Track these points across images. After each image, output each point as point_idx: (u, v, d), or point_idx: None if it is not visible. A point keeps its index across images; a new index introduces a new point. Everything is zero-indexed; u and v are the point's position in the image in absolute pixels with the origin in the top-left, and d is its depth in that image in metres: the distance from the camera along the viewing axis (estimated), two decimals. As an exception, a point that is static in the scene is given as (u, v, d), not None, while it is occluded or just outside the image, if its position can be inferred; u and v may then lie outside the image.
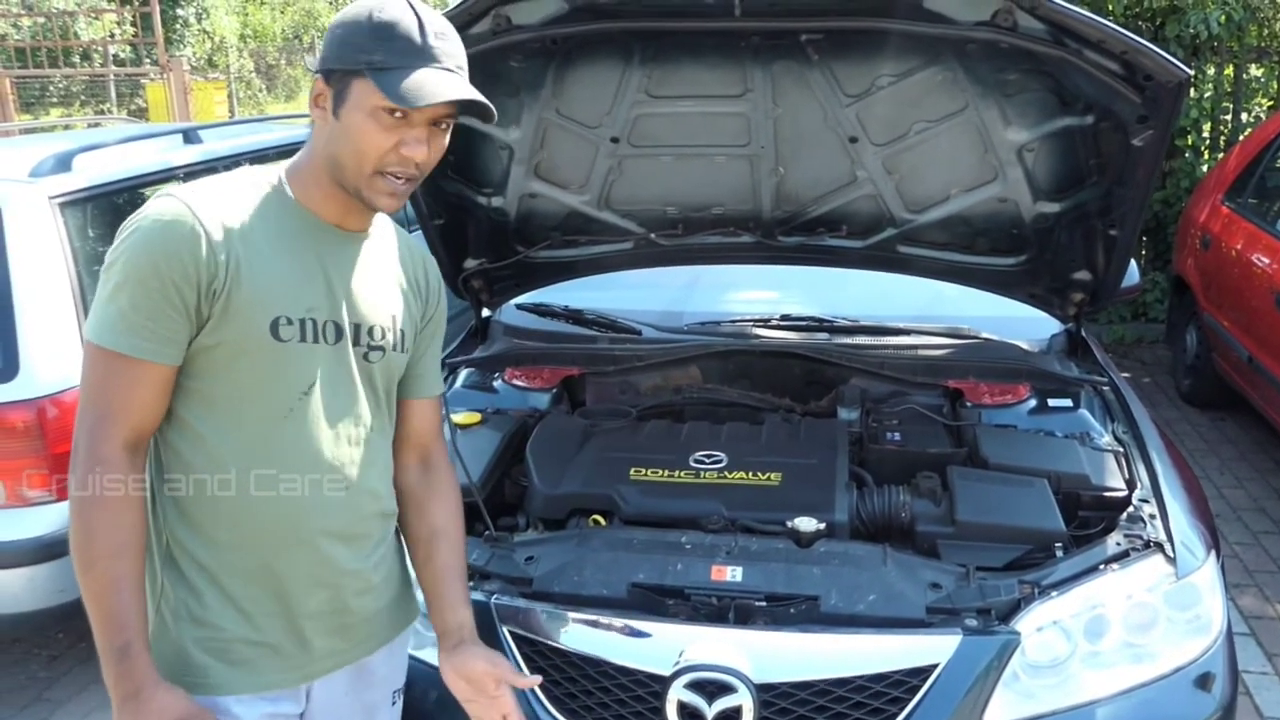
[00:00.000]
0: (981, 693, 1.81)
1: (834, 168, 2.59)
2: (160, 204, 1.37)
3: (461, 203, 2.73)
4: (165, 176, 3.60)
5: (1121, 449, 2.44)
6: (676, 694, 1.79)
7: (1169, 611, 1.93)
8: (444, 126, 1.45)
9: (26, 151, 3.43)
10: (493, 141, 2.58)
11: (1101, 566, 1.97)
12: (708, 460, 2.35)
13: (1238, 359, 4.68)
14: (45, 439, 2.82)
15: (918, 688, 1.80)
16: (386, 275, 1.57)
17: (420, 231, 2.73)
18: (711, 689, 1.78)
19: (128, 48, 12.93)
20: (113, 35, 13.31)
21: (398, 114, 1.37)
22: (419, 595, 1.72)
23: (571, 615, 1.92)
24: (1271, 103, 6.67)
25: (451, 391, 2.84)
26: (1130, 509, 2.15)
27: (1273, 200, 4.86)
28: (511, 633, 1.93)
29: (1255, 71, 6.72)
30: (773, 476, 2.28)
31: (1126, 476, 2.32)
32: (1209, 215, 5.29)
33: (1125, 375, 2.95)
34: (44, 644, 3.52)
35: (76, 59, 12.47)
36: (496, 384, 2.92)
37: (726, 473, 2.30)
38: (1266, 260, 4.54)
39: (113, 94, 11.72)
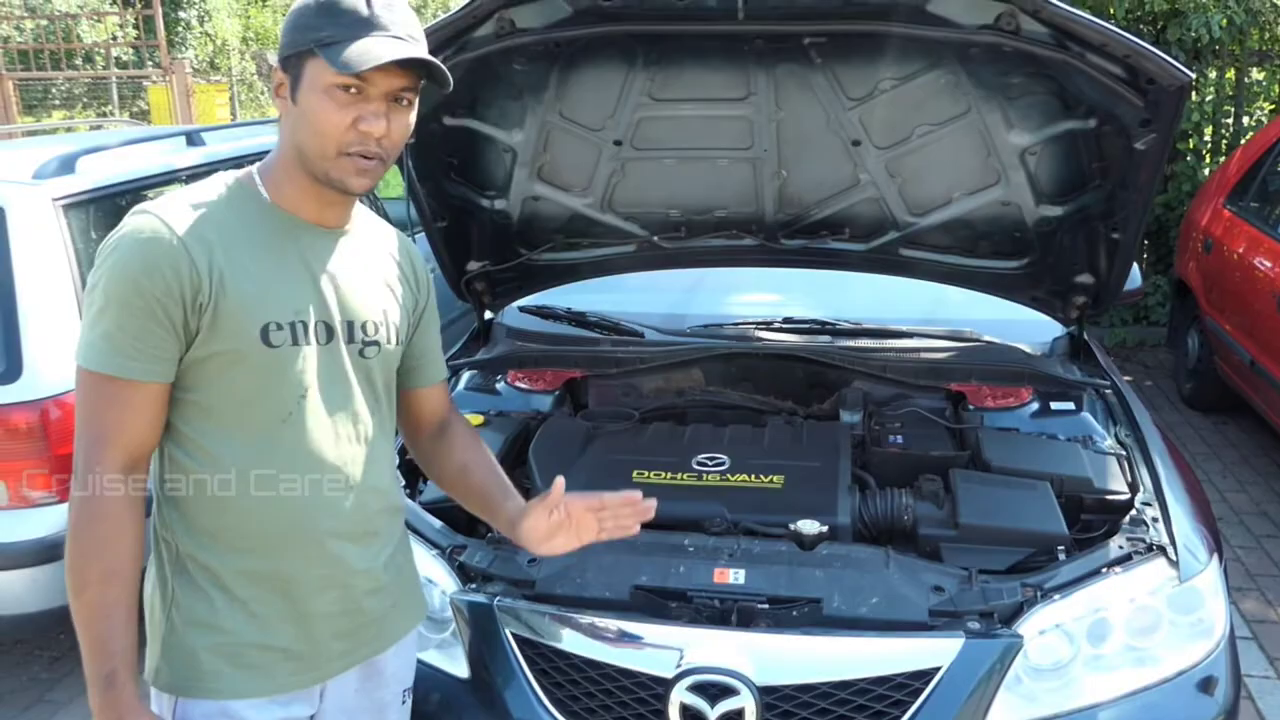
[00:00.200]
0: (984, 696, 1.81)
1: (836, 171, 2.59)
2: (136, 221, 1.36)
3: (465, 205, 2.73)
4: (168, 179, 3.60)
5: (1124, 452, 2.44)
6: (679, 696, 1.79)
7: (1171, 615, 1.93)
8: (404, 102, 1.42)
9: (30, 153, 3.43)
10: (496, 144, 2.58)
11: (1104, 570, 1.97)
12: (710, 463, 2.35)
13: (1239, 362, 4.68)
14: (48, 440, 2.82)
15: (920, 691, 1.80)
16: (373, 269, 1.55)
17: (423, 234, 2.74)
18: (714, 691, 1.79)
19: (130, 50, 12.93)
20: (115, 38, 13.31)
21: (352, 89, 1.36)
22: (428, 594, 1.73)
23: (574, 617, 1.92)
24: (1273, 106, 6.67)
25: (454, 393, 2.84)
26: (1133, 512, 2.15)
27: (1274, 204, 4.85)
28: (514, 634, 1.93)
29: (1257, 75, 6.73)
30: (775, 479, 2.28)
31: (1129, 480, 2.33)
32: (1211, 219, 5.29)
33: (1127, 379, 2.95)
34: (46, 645, 3.52)
35: (79, 61, 12.47)
36: (499, 386, 2.92)
37: (729, 475, 2.30)
38: (1268, 263, 4.54)
39: (115, 96, 11.73)
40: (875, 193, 2.63)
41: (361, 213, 1.58)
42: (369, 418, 1.54)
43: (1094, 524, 2.25)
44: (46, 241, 3.00)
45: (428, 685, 1.93)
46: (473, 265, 2.89)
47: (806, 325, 2.96)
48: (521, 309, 3.14)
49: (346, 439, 1.50)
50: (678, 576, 1.98)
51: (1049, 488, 2.25)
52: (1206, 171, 6.35)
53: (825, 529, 2.08)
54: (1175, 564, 1.98)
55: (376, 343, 1.53)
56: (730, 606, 1.92)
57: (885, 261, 2.84)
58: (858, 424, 2.64)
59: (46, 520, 2.87)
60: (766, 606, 1.91)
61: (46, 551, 2.86)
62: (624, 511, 1.60)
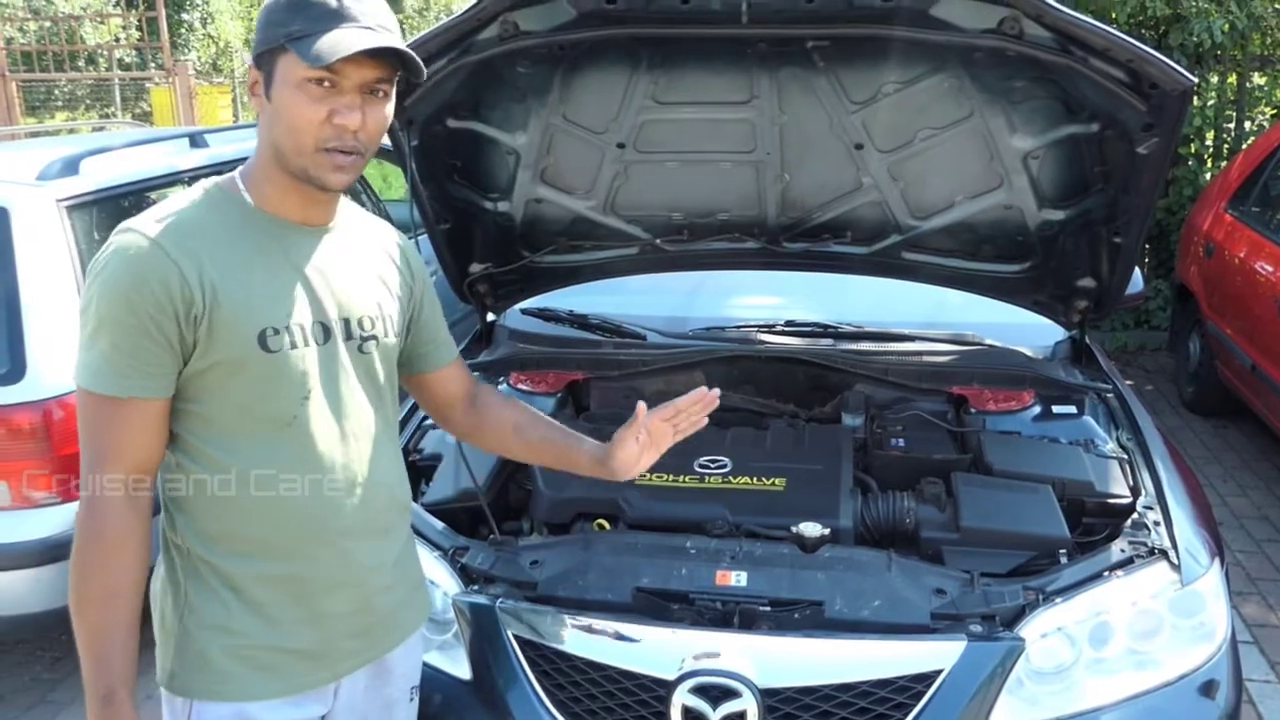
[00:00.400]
0: (986, 699, 1.81)
1: (839, 174, 2.59)
2: (122, 239, 1.35)
3: (468, 207, 2.73)
4: (171, 180, 3.61)
5: (1126, 456, 2.45)
6: (681, 698, 1.79)
7: (1173, 619, 1.93)
8: (380, 94, 1.41)
9: (34, 155, 3.44)
10: (499, 146, 2.58)
11: (1106, 573, 1.97)
12: (712, 465, 2.35)
13: (1241, 366, 4.68)
14: (51, 441, 2.82)
15: (922, 693, 1.80)
16: (362, 263, 1.55)
17: (426, 236, 2.74)
18: (716, 694, 1.79)
19: (133, 52, 12.96)
20: (118, 40, 13.33)
21: (325, 83, 1.35)
22: (431, 593, 1.75)
23: (576, 619, 1.92)
24: (1274, 111, 6.68)
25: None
26: (1135, 516, 2.15)
27: (1276, 208, 4.86)
28: (516, 636, 1.93)
29: (1258, 80, 6.73)
30: (777, 482, 2.28)
31: (1131, 483, 2.33)
32: (1212, 223, 5.29)
33: (1128, 383, 2.95)
34: (48, 646, 3.52)
35: (82, 63, 12.48)
36: (501, 388, 2.92)
37: (731, 478, 2.31)
38: (1269, 268, 4.55)
39: (117, 98, 11.74)
40: (878, 196, 2.63)
41: (346, 207, 1.57)
42: (373, 414, 1.54)
43: (1096, 527, 2.25)
44: (50, 242, 3.00)
45: (430, 686, 1.93)
46: (475, 267, 2.89)
47: (808, 328, 2.96)
48: (524, 311, 3.14)
49: (352, 437, 1.50)
50: (680, 579, 1.98)
51: (1051, 491, 2.25)
52: (1208, 176, 6.36)
53: (827, 532, 2.08)
54: (1177, 568, 1.98)
55: (374, 337, 1.53)
56: (732, 609, 1.92)
57: (887, 265, 2.85)
58: (859, 427, 2.64)
59: (49, 521, 2.87)
60: (768, 609, 1.91)
61: (49, 552, 2.86)
62: (695, 409, 1.73)
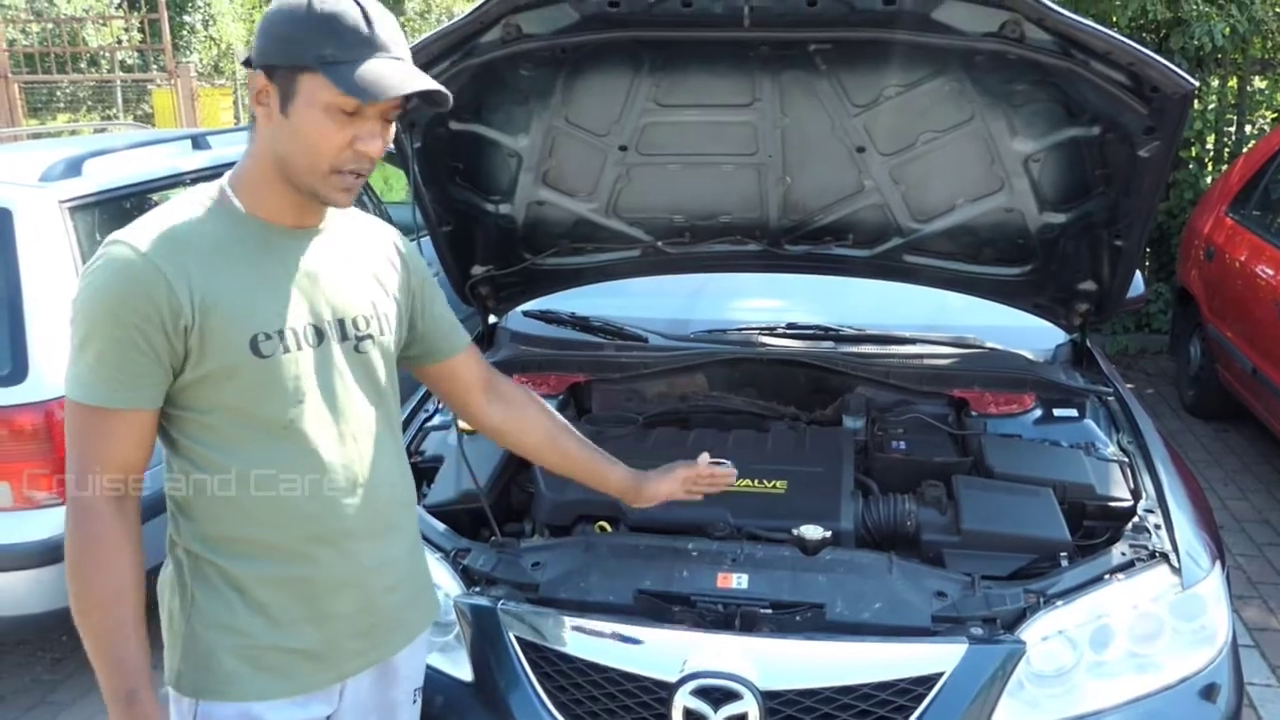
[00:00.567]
0: (986, 702, 1.81)
1: (841, 177, 2.60)
2: (110, 251, 1.35)
3: (470, 210, 2.74)
4: (174, 182, 3.62)
5: (1127, 459, 2.45)
6: (682, 700, 1.80)
7: (1174, 622, 1.93)
8: (391, 118, 1.42)
9: (36, 156, 3.44)
10: (501, 149, 2.59)
11: (1107, 576, 1.97)
12: (714, 468, 2.35)
13: (1241, 370, 4.68)
14: (53, 441, 2.83)
15: (923, 696, 1.80)
16: (355, 262, 1.54)
17: (428, 238, 2.74)
18: (717, 696, 1.79)
19: (135, 54, 12.97)
20: (120, 41, 13.35)
21: (350, 109, 1.35)
22: (438, 594, 1.75)
23: (577, 621, 1.93)
24: (1275, 115, 6.68)
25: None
26: (1135, 519, 2.16)
27: (1277, 212, 4.86)
28: (518, 638, 1.94)
29: (1259, 84, 6.73)
30: (779, 484, 2.29)
31: (1132, 487, 2.33)
32: (1213, 227, 5.29)
33: (1129, 386, 2.96)
34: (49, 647, 3.52)
35: (84, 65, 12.49)
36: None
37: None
38: (1270, 272, 4.55)
39: (119, 100, 11.75)
40: (879, 199, 2.63)
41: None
42: (372, 413, 1.54)
43: (1096, 530, 2.26)
44: (53, 243, 3.01)
45: (432, 688, 1.92)
46: (477, 269, 2.90)
47: (810, 331, 2.97)
48: (526, 313, 3.14)
49: (351, 438, 1.50)
50: (681, 581, 1.98)
51: (1052, 494, 2.25)
52: (1209, 180, 6.36)
53: (828, 534, 2.08)
54: (1178, 571, 1.99)
55: (370, 336, 1.53)
56: (733, 611, 1.92)
57: (889, 267, 2.85)
58: (861, 430, 2.64)
59: (50, 521, 2.87)
60: (770, 611, 1.92)
61: (50, 553, 2.86)
62: (716, 484, 1.97)
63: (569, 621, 1.93)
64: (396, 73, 1.35)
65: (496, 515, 2.22)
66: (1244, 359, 4.62)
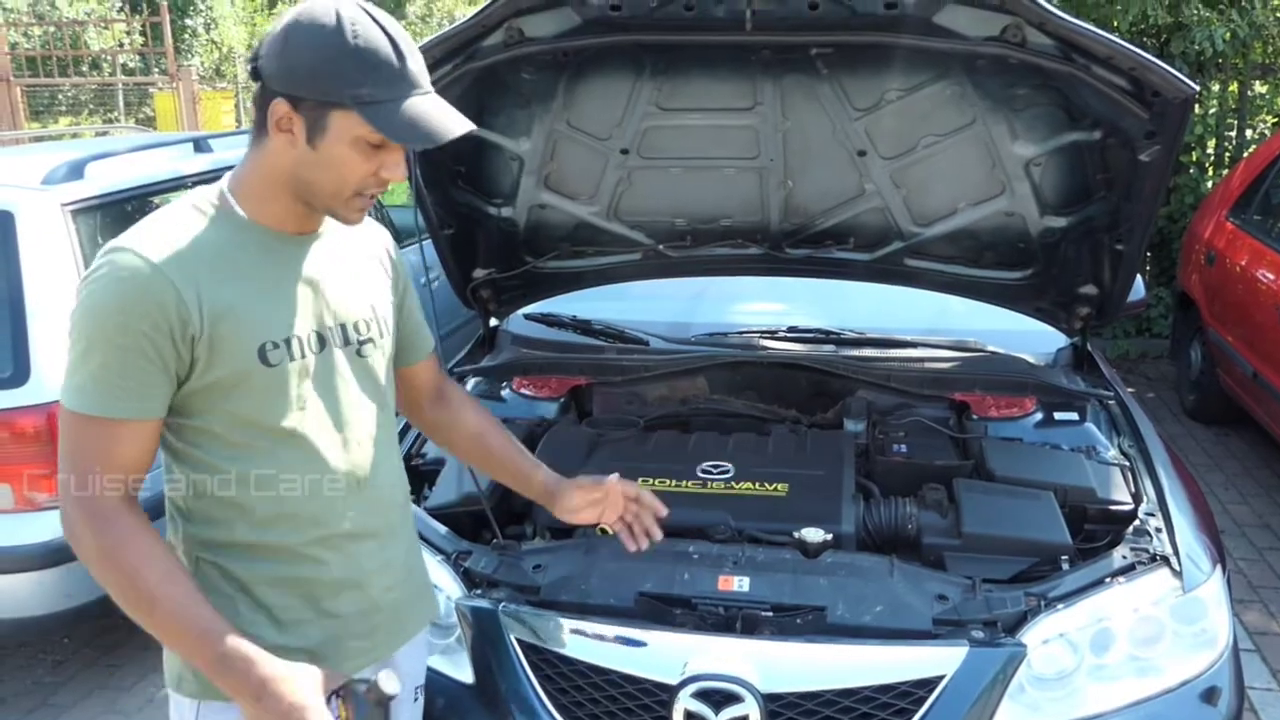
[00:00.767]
0: (987, 705, 1.81)
1: (842, 181, 2.60)
2: (115, 259, 1.32)
3: (471, 213, 2.74)
4: (176, 185, 3.63)
5: (1127, 463, 2.45)
6: (683, 703, 1.80)
7: (1175, 625, 1.93)
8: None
9: (39, 159, 3.45)
10: (503, 152, 2.59)
11: (1107, 580, 1.97)
12: (715, 471, 2.36)
13: (1242, 374, 4.68)
14: (54, 444, 2.82)
15: (924, 699, 1.80)
16: (352, 265, 1.55)
17: (430, 241, 2.75)
18: (718, 698, 1.79)
19: (137, 57, 12.99)
20: (122, 45, 13.38)
21: (379, 143, 1.35)
22: (440, 597, 1.77)
23: (578, 624, 1.93)
24: (1276, 119, 6.68)
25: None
26: (1136, 522, 2.16)
27: (1277, 217, 4.86)
28: (519, 640, 1.94)
29: (1260, 88, 6.74)
30: (779, 487, 2.29)
31: (1132, 490, 2.33)
32: (1214, 231, 5.30)
33: (1130, 390, 2.96)
34: (50, 649, 3.52)
35: (85, 68, 12.52)
36: (504, 393, 2.93)
37: (733, 483, 2.31)
38: (1271, 276, 4.55)
39: (120, 103, 11.77)
40: (880, 203, 2.64)
41: None
42: (374, 416, 1.55)
43: (1097, 534, 2.25)
44: (55, 246, 3.02)
45: (433, 690, 1.93)
46: (479, 272, 2.90)
47: (811, 334, 2.97)
48: (527, 316, 3.15)
49: (355, 442, 1.51)
50: (682, 584, 1.98)
51: (1053, 498, 2.25)
52: (1209, 184, 6.36)
53: (829, 537, 2.08)
54: (1179, 574, 1.98)
55: (370, 340, 1.54)
56: (735, 614, 1.92)
57: (890, 271, 2.85)
58: (862, 433, 2.64)
59: (52, 524, 2.84)
60: (771, 614, 1.92)
61: (52, 555, 2.87)
62: (647, 517, 1.84)
63: (570, 624, 1.93)
64: (435, 113, 1.35)
65: (498, 518, 2.23)
66: (1244, 363, 4.63)
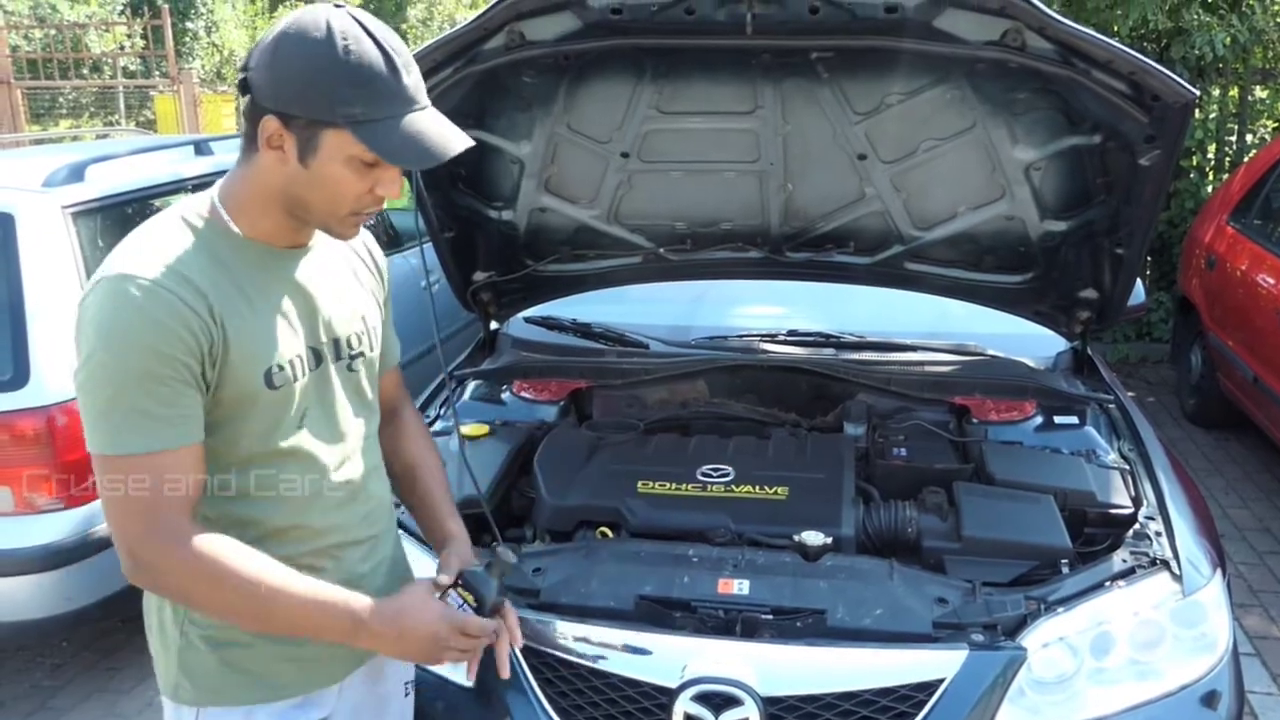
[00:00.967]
0: (987, 708, 1.81)
1: (842, 184, 2.60)
2: (125, 289, 1.26)
3: (472, 216, 2.74)
4: (176, 188, 3.63)
5: (1128, 466, 2.45)
6: (683, 706, 1.79)
7: (1175, 629, 1.93)
8: None
9: (40, 161, 3.45)
10: (504, 155, 2.60)
11: (1107, 583, 1.97)
12: (715, 474, 2.36)
13: (1242, 379, 4.68)
14: (54, 446, 2.83)
15: (924, 702, 1.80)
16: (343, 275, 1.54)
17: (430, 244, 2.75)
18: (718, 701, 1.79)
19: (138, 60, 13.00)
20: (123, 47, 13.38)
21: (374, 161, 1.31)
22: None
23: (578, 627, 1.92)
24: (1276, 124, 6.70)
25: (460, 403, 2.85)
26: (1136, 526, 2.16)
27: (1277, 221, 4.87)
28: (519, 643, 1.93)
29: (1260, 93, 6.75)
30: (780, 491, 2.29)
31: (1133, 494, 2.33)
32: (1214, 235, 5.30)
33: (1130, 394, 2.96)
34: (48, 652, 3.52)
35: (86, 71, 12.51)
36: (504, 396, 2.93)
37: (734, 486, 2.31)
38: (1271, 280, 4.55)
39: (121, 106, 11.77)
40: (880, 206, 2.64)
41: None
42: (362, 427, 1.56)
43: (1097, 537, 2.25)
44: (55, 249, 3.02)
45: (432, 693, 1.93)
46: (479, 276, 2.90)
47: (811, 338, 2.97)
48: (527, 319, 3.15)
49: (350, 454, 1.52)
50: (682, 587, 1.98)
51: (1052, 501, 2.25)
52: (1210, 189, 6.37)
53: (829, 540, 2.08)
54: (1179, 578, 1.98)
55: (361, 354, 1.54)
56: (734, 617, 1.92)
57: (890, 275, 2.85)
58: (862, 436, 2.64)
59: (52, 527, 2.88)
60: (770, 617, 1.91)
61: (51, 558, 2.87)
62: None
63: (570, 627, 1.93)
64: (432, 130, 1.32)
65: (498, 520, 2.22)
66: (1245, 368, 4.63)
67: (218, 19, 15.91)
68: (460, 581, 1.51)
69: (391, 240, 4.64)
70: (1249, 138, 6.62)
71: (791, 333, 2.99)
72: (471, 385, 2.95)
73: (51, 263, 2.99)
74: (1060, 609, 1.92)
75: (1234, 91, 6.59)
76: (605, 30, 2.15)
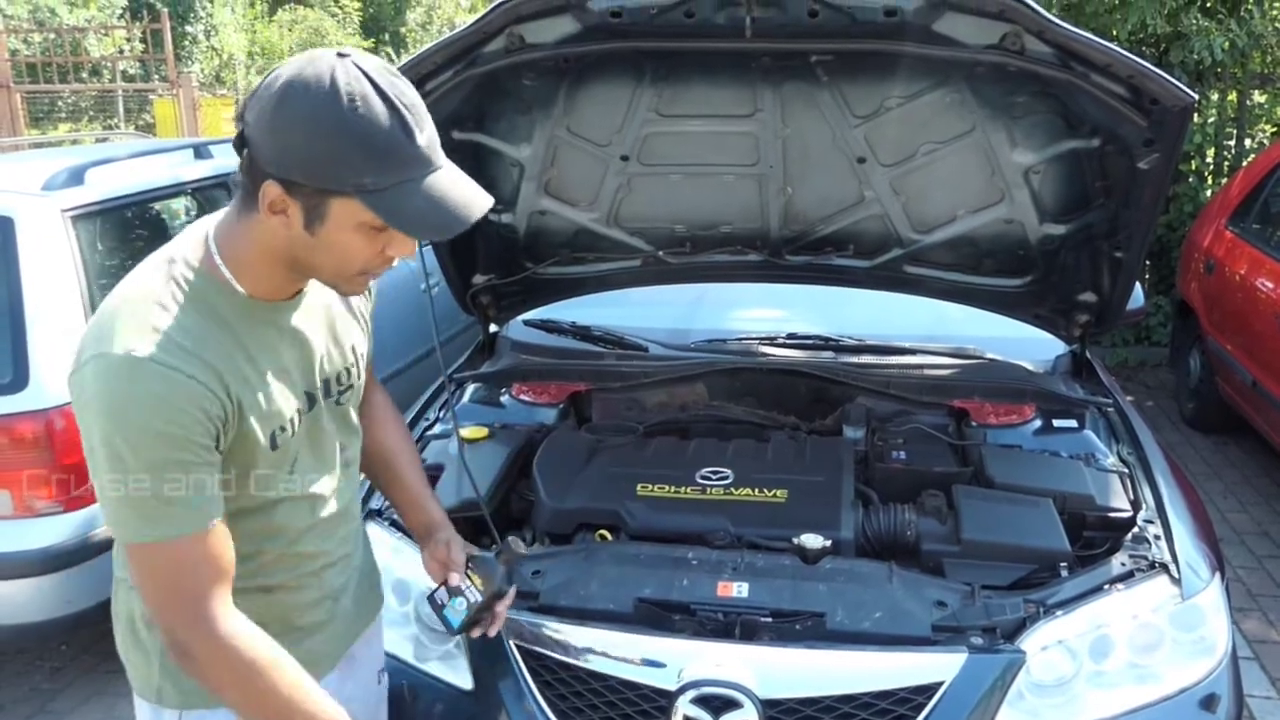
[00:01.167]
0: (986, 711, 1.81)
1: (842, 188, 2.61)
2: (135, 372, 1.19)
3: (471, 219, 2.74)
4: (176, 191, 3.63)
5: (1126, 470, 2.45)
6: (682, 709, 1.79)
7: (1174, 632, 1.93)
8: None
9: (39, 165, 3.45)
10: (503, 158, 2.60)
11: (1106, 586, 1.97)
12: (714, 477, 2.36)
13: (1241, 383, 4.69)
14: (53, 450, 2.83)
15: (923, 705, 1.80)
16: (336, 306, 1.51)
17: (429, 247, 2.75)
18: (717, 704, 1.79)
19: (137, 64, 13.01)
20: (122, 51, 13.40)
21: (382, 225, 1.24)
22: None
23: (578, 629, 1.93)
24: (1275, 129, 6.71)
25: (459, 406, 2.85)
26: (1135, 529, 2.16)
27: (1276, 225, 4.87)
28: (518, 646, 1.94)
29: (1259, 98, 6.76)
30: (779, 493, 2.29)
31: (1131, 497, 2.33)
32: (1213, 240, 5.31)
33: (1129, 398, 2.96)
34: (47, 656, 3.52)
35: (86, 75, 12.53)
36: (504, 399, 2.93)
37: (733, 489, 2.31)
38: (1270, 285, 4.56)
39: (121, 109, 11.78)
40: (880, 210, 2.64)
41: None
42: (346, 453, 1.57)
43: (1096, 541, 2.25)
44: (55, 252, 3.02)
45: (432, 696, 1.93)
46: (478, 278, 2.90)
47: (810, 341, 2.97)
48: (526, 322, 3.15)
49: (333, 486, 1.52)
50: (681, 589, 1.98)
51: (1051, 504, 2.25)
52: (1208, 193, 6.37)
53: (828, 543, 2.08)
54: (1178, 581, 1.99)
55: (350, 386, 1.54)
56: (734, 620, 1.92)
57: (889, 278, 2.86)
58: (861, 439, 2.65)
59: (51, 530, 2.88)
60: (770, 620, 1.92)
61: (50, 561, 2.87)
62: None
63: (569, 630, 1.93)
64: (450, 194, 1.24)
65: (497, 523, 2.22)
66: (1244, 372, 4.63)
67: (217, 23, 15.94)
68: (469, 565, 1.51)
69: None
70: (1247, 142, 6.63)
71: (791, 336, 3.00)
72: (471, 388, 2.95)
73: (51, 266, 2.99)
74: (1059, 612, 1.92)
75: (1232, 96, 6.60)
76: (605, 33, 2.15)
